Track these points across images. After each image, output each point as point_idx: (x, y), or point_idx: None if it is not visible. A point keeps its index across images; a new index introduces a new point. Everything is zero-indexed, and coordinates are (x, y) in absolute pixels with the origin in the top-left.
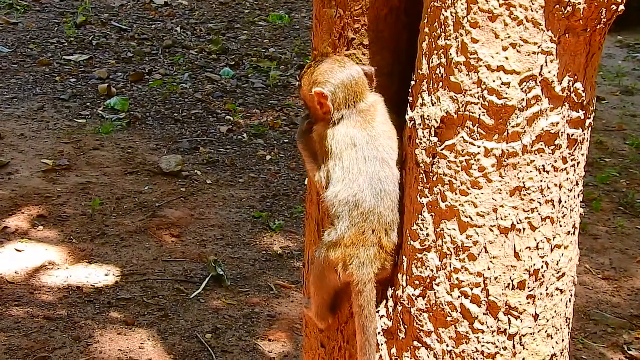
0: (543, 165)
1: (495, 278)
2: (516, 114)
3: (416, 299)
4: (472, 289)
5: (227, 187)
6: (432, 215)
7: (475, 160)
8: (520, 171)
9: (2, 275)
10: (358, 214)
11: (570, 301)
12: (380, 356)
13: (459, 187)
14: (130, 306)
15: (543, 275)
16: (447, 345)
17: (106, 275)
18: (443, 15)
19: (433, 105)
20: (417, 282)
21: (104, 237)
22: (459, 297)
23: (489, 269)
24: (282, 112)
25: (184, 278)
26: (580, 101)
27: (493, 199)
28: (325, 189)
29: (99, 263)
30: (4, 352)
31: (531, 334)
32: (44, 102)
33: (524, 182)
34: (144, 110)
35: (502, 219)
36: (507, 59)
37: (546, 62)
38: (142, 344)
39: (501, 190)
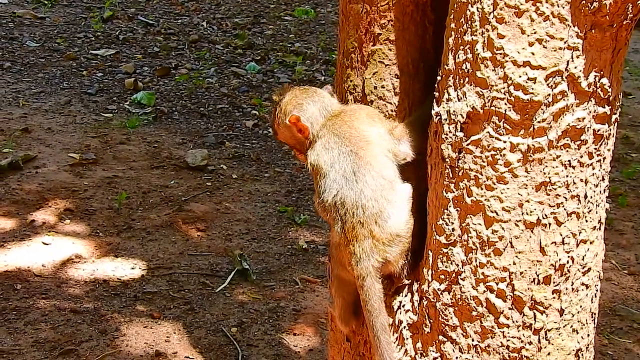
0: (569, 160)
1: (521, 273)
2: (542, 109)
3: (441, 293)
4: (497, 284)
5: (252, 181)
6: (457, 210)
7: (501, 155)
8: (546, 166)
9: (30, 268)
10: (345, 212)
11: (595, 296)
12: (405, 350)
13: (484, 181)
14: (156, 299)
15: (568, 270)
16: (472, 340)
17: (132, 268)
18: (469, 10)
19: (459, 100)
20: (442, 277)
21: (130, 230)
22: (484, 291)
23: (514, 263)
24: None
25: (209, 272)
26: (606, 96)
27: (519, 193)
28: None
29: (125, 256)
30: (30, 344)
31: (556, 328)
32: (70, 96)
33: (549, 177)
34: (170, 104)
35: (527, 213)
36: (533, 54)
37: (572, 58)
38: (168, 337)
39: (527, 185)
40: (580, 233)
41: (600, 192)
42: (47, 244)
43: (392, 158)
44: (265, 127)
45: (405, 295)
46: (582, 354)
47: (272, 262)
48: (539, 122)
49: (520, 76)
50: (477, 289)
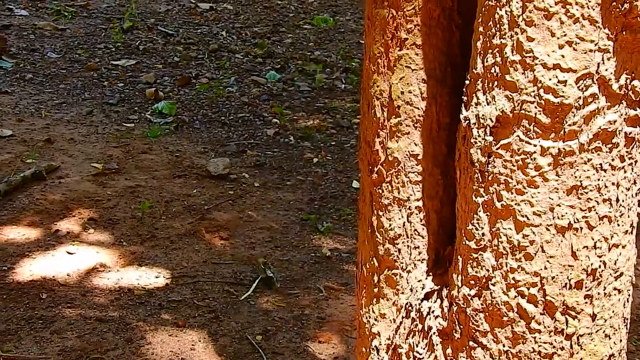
0: (600, 164)
1: (552, 277)
2: (573, 112)
3: (472, 299)
4: (528, 289)
5: (274, 189)
6: (487, 215)
7: (531, 159)
8: (577, 169)
9: (55, 278)
10: None
11: (627, 301)
12: (435, 356)
13: (514, 186)
14: (181, 308)
15: (600, 275)
16: (504, 345)
17: (156, 277)
18: (498, 13)
19: (488, 104)
20: (472, 282)
21: (154, 239)
22: (515, 296)
23: (545, 268)
24: (329, 114)
25: (233, 280)
26: (637, 98)
27: (549, 197)
28: None
29: (150, 265)
30: (57, 353)
31: (589, 333)
32: (92, 107)
33: (580, 181)
34: (191, 113)
35: (558, 217)
36: (563, 57)
37: (603, 60)
38: (193, 345)
39: (558, 189)
40: (612, 237)
41: (631, 195)
42: (72, 254)
43: None
44: (286, 136)
45: (435, 301)
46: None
47: (296, 270)
48: (569, 125)
49: (550, 79)
50: (508, 294)
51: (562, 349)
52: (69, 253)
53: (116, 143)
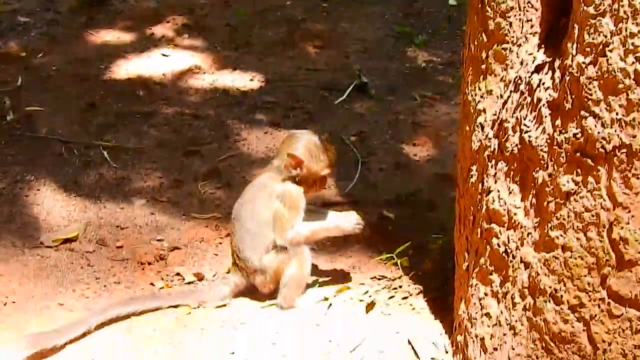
0: None
1: None
2: None
3: (586, 67)
4: None
5: (370, 3)
6: None
7: None
8: None
9: (151, 77)
10: None
11: None
12: (544, 128)
13: None
14: (275, 109)
15: None
16: (617, 114)
17: (251, 80)
18: None
19: None
20: (588, 49)
21: (248, 46)
22: (632, 62)
23: None
24: None
25: (328, 85)
26: None
27: None
28: None
29: (244, 69)
30: (155, 145)
31: None
32: None
33: None
34: None
35: None
36: None
37: None
38: None
39: None
40: None
41: None
42: (167, 56)
43: None
44: None
45: (546, 73)
46: None
47: (391, 79)
48: None
49: None
50: (625, 61)
51: None
52: (163, 55)
53: None
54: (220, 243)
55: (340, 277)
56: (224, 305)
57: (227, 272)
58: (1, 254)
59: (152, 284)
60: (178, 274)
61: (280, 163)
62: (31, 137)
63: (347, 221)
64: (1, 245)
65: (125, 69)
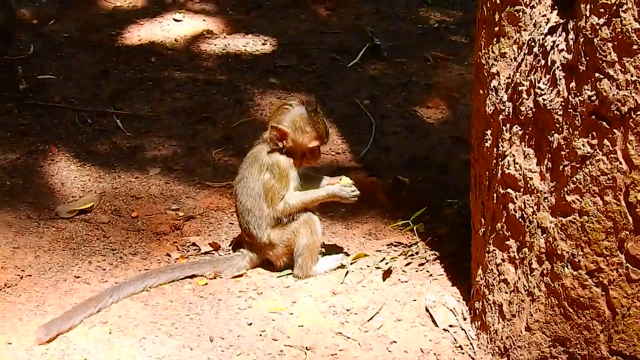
0: None
1: None
2: None
3: (600, 28)
4: None
5: None
6: None
7: None
8: None
9: (162, 43)
10: None
11: None
12: (558, 91)
13: None
14: (288, 73)
15: None
16: (632, 75)
17: (263, 44)
18: None
19: None
20: (602, 10)
21: (259, 9)
22: None
23: None
24: None
25: (340, 48)
26: None
27: None
28: None
29: (256, 33)
30: (167, 112)
31: None
32: None
33: None
34: None
35: None
36: None
37: None
38: None
39: None
40: None
41: None
42: (179, 21)
43: None
44: None
45: (560, 35)
46: None
47: (403, 40)
48: None
49: None
50: (639, 21)
51: None
52: (175, 20)
53: None
54: (235, 210)
55: (357, 244)
56: (240, 276)
57: (243, 248)
58: (17, 226)
59: (168, 254)
60: (194, 244)
61: (268, 135)
62: (44, 106)
63: (339, 189)
64: (17, 217)
65: (137, 34)
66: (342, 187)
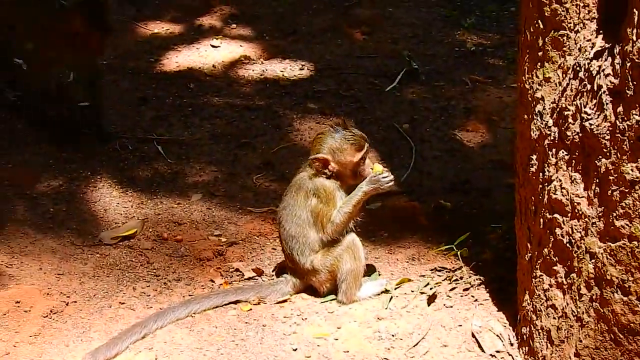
0: None
1: None
2: None
3: None
4: None
5: None
6: None
7: None
8: None
9: (201, 68)
10: None
11: None
12: (605, 116)
13: None
14: (326, 98)
15: None
16: None
17: (300, 69)
18: None
19: None
20: None
21: (296, 34)
22: None
23: None
24: None
25: (377, 72)
26: None
27: None
28: None
29: (293, 58)
30: (208, 138)
31: None
32: None
33: None
34: None
35: None
36: None
37: None
38: None
39: None
40: None
41: None
42: (216, 47)
43: None
44: None
45: (605, 60)
46: None
47: (440, 64)
48: None
49: None
50: None
51: None
52: (213, 46)
53: None
54: (278, 236)
55: (400, 269)
56: (284, 301)
57: (287, 273)
58: (61, 252)
59: (211, 280)
60: (237, 269)
61: (314, 168)
62: (85, 133)
63: (372, 183)
64: (61, 244)
65: (175, 61)
66: (373, 179)
